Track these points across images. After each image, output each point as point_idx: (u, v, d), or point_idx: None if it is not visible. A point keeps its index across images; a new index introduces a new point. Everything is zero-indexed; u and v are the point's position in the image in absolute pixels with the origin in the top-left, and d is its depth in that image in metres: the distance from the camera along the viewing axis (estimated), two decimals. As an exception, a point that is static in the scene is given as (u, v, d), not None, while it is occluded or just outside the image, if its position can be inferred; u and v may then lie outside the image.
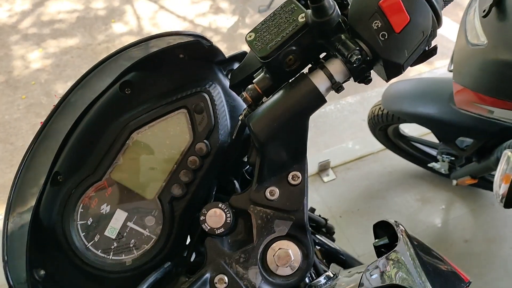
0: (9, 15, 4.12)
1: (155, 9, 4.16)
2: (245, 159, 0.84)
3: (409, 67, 0.61)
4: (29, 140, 0.69)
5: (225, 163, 0.76)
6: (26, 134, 3.05)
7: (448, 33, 3.28)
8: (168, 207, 0.70)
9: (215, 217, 0.64)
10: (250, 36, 0.61)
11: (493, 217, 2.24)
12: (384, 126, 2.14)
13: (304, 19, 0.58)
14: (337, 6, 0.55)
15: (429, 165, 2.22)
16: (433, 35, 0.58)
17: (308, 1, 0.54)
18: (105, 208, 0.70)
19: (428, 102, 1.78)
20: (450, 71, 1.46)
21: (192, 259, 0.78)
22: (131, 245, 0.70)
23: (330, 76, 0.59)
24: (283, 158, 0.63)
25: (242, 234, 0.67)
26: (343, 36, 0.57)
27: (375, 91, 2.99)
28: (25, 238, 0.66)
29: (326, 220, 1.29)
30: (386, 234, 0.78)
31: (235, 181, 0.80)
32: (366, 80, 0.62)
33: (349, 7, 0.59)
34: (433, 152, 2.22)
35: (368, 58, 0.57)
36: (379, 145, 2.43)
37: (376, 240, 0.79)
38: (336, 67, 0.59)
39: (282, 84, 0.63)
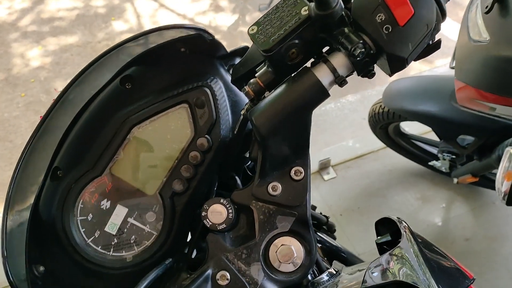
0: (9, 13, 4.11)
1: (155, 7, 4.16)
2: (247, 155, 0.83)
3: (409, 65, 0.60)
4: (28, 138, 0.68)
5: (227, 158, 0.75)
6: (25, 132, 3.05)
7: (448, 32, 3.27)
8: (169, 202, 0.70)
9: (217, 213, 0.63)
10: (252, 29, 0.60)
11: (494, 216, 2.23)
12: (384, 124, 2.13)
13: (307, 12, 0.57)
14: None
15: (429, 163, 2.21)
16: (437, 28, 0.57)
17: None
18: (105, 204, 0.70)
19: (429, 100, 1.78)
20: (452, 68, 1.46)
21: (193, 256, 0.77)
22: (131, 241, 0.69)
23: (333, 70, 0.58)
24: (285, 153, 0.63)
25: (244, 230, 0.66)
26: (346, 30, 0.56)
27: (376, 89, 2.98)
28: (24, 234, 0.65)
29: (327, 217, 1.28)
30: (388, 231, 0.77)
31: (236, 177, 0.79)
32: (369, 74, 0.61)
33: (352, 0, 0.58)
34: (434, 150, 2.22)
35: (371, 51, 0.56)
36: (379, 144, 2.43)
37: (379, 237, 0.78)
38: (339, 60, 0.58)
39: (284, 78, 0.62)
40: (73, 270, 0.70)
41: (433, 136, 2.09)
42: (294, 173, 0.64)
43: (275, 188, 0.64)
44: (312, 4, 0.56)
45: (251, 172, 0.87)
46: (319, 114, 2.83)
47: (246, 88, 0.64)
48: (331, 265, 0.83)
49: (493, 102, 1.27)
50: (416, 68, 3.29)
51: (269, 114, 0.59)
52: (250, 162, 0.88)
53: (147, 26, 3.94)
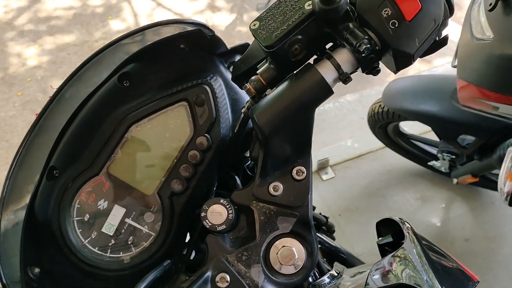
0: (5, 11, 4.09)
1: (153, 6, 4.14)
2: (247, 154, 0.82)
3: (410, 67, 0.59)
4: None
5: (227, 158, 0.74)
6: (22, 131, 3.03)
7: (448, 33, 3.25)
8: (168, 203, 0.68)
9: (217, 213, 0.62)
10: (254, 25, 0.58)
11: (494, 216, 2.22)
12: (384, 124, 2.13)
13: (311, 6, 0.56)
14: None
15: (429, 163, 2.21)
16: (444, 24, 0.56)
17: None
18: (102, 204, 0.68)
19: (429, 99, 1.77)
20: (454, 66, 1.45)
21: (192, 257, 0.76)
22: (129, 242, 0.68)
23: (337, 67, 0.57)
24: (287, 152, 0.61)
25: (244, 231, 0.65)
26: (351, 25, 0.55)
27: (375, 89, 2.97)
28: (19, 235, 0.63)
29: (326, 218, 1.27)
30: (389, 232, 0.76)
31: (236, 177, 0.78)
32: (374, 71, 0.60)
33: None
34: (434, 150, 2.21)
35: (377, 47, 0.55)
36: (378, 143, 2.42)
37: (380, 238, 0.77)
38: (343, 57, 0.57)
39: (287, 75, 0.60)
40: (69, 272, 0.68)
41: (433, 136, 2.08)
42: (296, 173, 0.63)
43: (276, 188, 0.62)
44: None
45: (251, 172, 0.86)
46: (317, 113, 2.76)
47: (247, 85, 0.62)
48: (331, 266, 0.82)
49: (496, 101, 1.26)
50: (415, 68, 3.28)
51: (271, 112, 0.57)
52: (250, 161, 0.86)
53: (145, 25, 3.93)
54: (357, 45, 0.53)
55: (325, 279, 0.71)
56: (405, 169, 2.44)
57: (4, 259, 0.62)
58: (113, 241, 0.68)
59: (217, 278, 0.60)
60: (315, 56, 0.62)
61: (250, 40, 0.68)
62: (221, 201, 0.62)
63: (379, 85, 2.95)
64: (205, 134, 0.69)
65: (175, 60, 0.72)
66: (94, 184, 0.68)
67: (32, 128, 0.67)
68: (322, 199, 2.34)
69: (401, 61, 0.56)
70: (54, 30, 3.88)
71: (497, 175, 1.30)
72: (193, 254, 0.78)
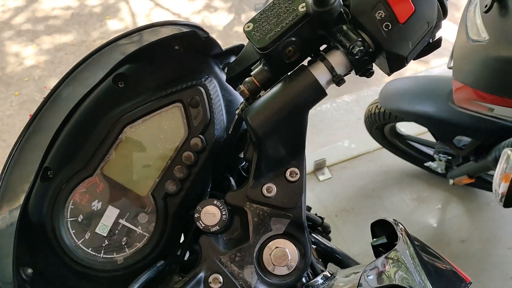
0: (3, 11, 4.09)
1: (151, 6, 4.14)
2: (241, 155, 0.82)
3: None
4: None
5: (221, 159, 0.74)
6: (19, 131, 2.97)
7: (445, 34, 3.26)
8: (162, 204, 0.68)
9: (210, 214, 0.62)
10: (248, 27, 0.58)
11: (489, 217, 2.23)
12: (381, 124, 2.13)
13: (304, 8, 0.56)
14: None
15: (425, 164, 2.21)
16: (438, 26, 0.56)
17: None
18: (96, 205, 0.68)
19: (426, 100, 1.77)
20: (450, 68, 1.45)
21: (186, 258, 0.76)
22: (123, 243, 0.68)
23: (331, 69, 0.57)
24: (281, 153, 0.61)
25: (237, 232, 0.65)
26: (345, 27, 0.55)
27: (372, 90, 2.98)
28: (12, 235, 0.63)
29: (322, 219, 1.27)
30: (384, 233, 0.76)
31: (230, 178, 0.78)
32: (368, 73, 0.60)
33: None
34: (430, 151, 2.21)
35: (370, 49, 0.55)
36: (375, 144, 2.42)
37: (374, 240, 0.77)
38: (337, 59, 0.57)
39: (281, 77, 0.61)
40: (63, 273, 0.68)
41: (429, 137, 2.08)
42: (289, 174, 0.63)
43: (270, 189, 0.62)
44: (310, 1, 0.54)
45: (246, 173, 0.86)
46: (314, 114, 2.82)
47: (241, 87, 0.62)
48: (325, 267, 0.82)
49: (491, 102, 1.27)
50: (412, 69, 3.29)
51: (265, 114, 0.57)
52: (244, 162, 0.86)
53: (142, 25, 3.93)
54: (351, 47, 0.54)
55: (319, 280, 0.71)
56: (401, 170, 2.45)
57: None
58: (106, 242, 0.68)
59: (210, 279, 0.60)
60: (309, 58, 0.62)
61: (248, 40, 0.68)
62: (215, 202, 0.62)
63: (376, 86, 2.95)
64: (200, 136, 0.69)
65: (169, 61, 0.72)
66: (88, 185, 0.68)
67: (26, 129, 0.67)
68: (319, 199, 2.34)
69: (395, 64, 0.57)
70: (51, 30, 3.87)
71: (493, 176, 1.30)
72: (187, 255, 0.78)
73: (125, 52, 0.69)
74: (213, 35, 0.73)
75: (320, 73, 0.57)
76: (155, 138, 0.70)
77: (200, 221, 0.62)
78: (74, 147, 0.69)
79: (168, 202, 0.69)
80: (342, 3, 0.54)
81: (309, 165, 2.43)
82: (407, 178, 2.42)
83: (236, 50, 0.77)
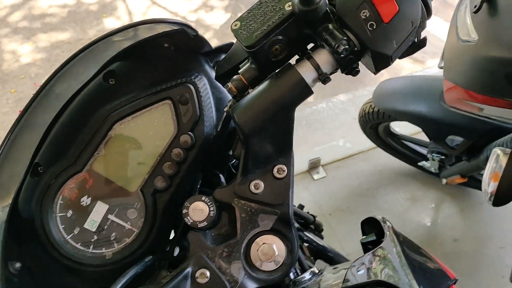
0: (-1, 8, 4.08)
1: (147, 5, 4.14)
2: (231, 153, 0.82)
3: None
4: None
5: (210, 156, 0.74)
6: (15, 128, 3.02)
7: (439, 33, 3.29)
8: (151, 200, 0.69)
9: (198, 210, 0.63)
10: (235, 25, 0.59)
11: (482, 217, 2.24)
12: (375, 124, 2.14)
13: (290, 7, 0.57)
14: None
15: (419, 163, 2.22)
16: (422, 26, 0.57)
17: None
18: (85, 200, 0.69)
19: (419, 100, 1.78)
20: (441, 68, 1.46)
21: (175, 254, 0.77)
22: (111, 238, 0.68)
23: (317, 67, 0.57)
24: (268, 150, 0.62)
25: (225, 228, 0.66)
26: (330, 26, 0.56)
27: (367, 89, 2.99)
28: (1, 229, 0.64)
29: (314, 217, 1.28)
30: (373, 231, 0.77)
31: (220, 175, 0.79)
32: (353, 71, 0.61)
33: None
34: (424, 151, 2.22)
35: (355, 48, 0.56)
36: (370, 144, 2.43)
37: (364, 237, 0.78)
38: (323, 57, 0.58)
39: (268, 75, 0.61)
40: (51, 267, 0.68)
41: (423, 137, 2.09)
42: (276, 171, 0.63)
43: (257, 186, 0.63)
44: (296, 0, 0.55)
45: (236, 170, 0.86)
46: (310, 113, 2.83)
47: (229, 84, 0.63)
48: (315, 263, 0.83)
49: (481, 102, 1.27)
50: (408, 69, 3.30)
51: (251, 111, 0.58)
52: (234, 160, 0.87)
53: (139, 24, 3.93)
54: (336, 46, 0.54)
55: (306, 275, 0.72)
56: (395, 169, 2.46)
57: None
58: (95, 237, 0.68)
59: (197, 274, 0.60)
60: (297, 57, 0.63)
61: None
62: (203, 198, 0.63)
63: (372, 86, 2.95)
64: (189, 133, 0.70)
65: (159, 59, 0.73)
66: (77, 180, 0.69)
67: (15, 124, 0.67)
68: (313, 198, 2.35)
69: (380, 63, 0.57)
70: (48, 28, 3.87)
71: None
72: (177, 251, 0.78)
73: (116, 49, 0.70)
74: (209, 34, 0.74)
75: (306, 72, 0.57)
76: (145, 135, 0.70)
77: (188, 217, 0.62)
78: (64, 143, 0.69)
79: (157, 198, 0.69)
80: (327, 3, 0.55)
81: (304, 164, 2.44)
82: (401, 177, 2.43)
83: (225, 48, 0.78)
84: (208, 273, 0.60)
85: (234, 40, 0.77)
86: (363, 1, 0.54)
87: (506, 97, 1.19)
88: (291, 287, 0.69)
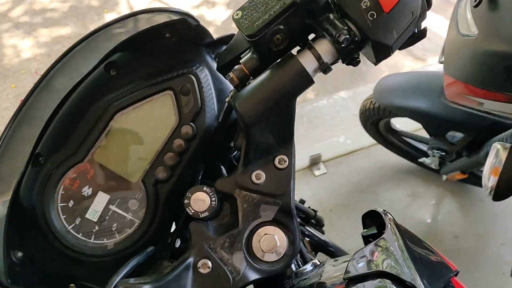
0: (0, 3, 4.08)
1: (149, 0, 4.14)
2: (232, 144, 0.82)
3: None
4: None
5: (212, 147, 0.74)
6: (16, 123, 3.02)
7: (440, 30, 3.28)
8: (152, 190, 0.69)
9: (200, 200, 0.63)
10: (237, 14, 0.59)
11: (483, 213, 2.24)
12: (375, 120, 2.13)
13: None
14: None
15: (419, 160, 2.22)
16: (422, 16, 0.57)
17: None
18: (86, 191, 0.69)
19: (419, 96, 1.78)
20: (441, 62, 1.46)
21: (177, 246, 0.77)
22: (113, 229, 0.69)
23: (318, 57, 0.57)
24: (269, 140, 0.62)
25: (227, 219, 0.66)
26: (331, 16, 0.56)
27: (368, 86, 2.98)
28: (3, 219, 0.64)
29: (315, 211, 1.28)
30: (374, 224, 0.77)
31: (221, 167, 0.79)
32: (354, 61, 0.61)
33: None
34: (424, 147, 2.22)
35: (356, 38, 0.56)
36: (370, 140, 2.43)
37: (365, 230, 0.78)
38: (324, 47, 0.58)
39: (269, 65, 0.61)
40: (53, 257, 0.69)
41: (423, 133, 2.09)
42: (278, 162, 0.63)
43: (259, 176, 0.63)
44: None
45: (237, 162, 0.86)
46: (311, 109, 2.83)
47: (231, 74, 0.63)
48: (316, 256, 0.83)
49: (481, 97, 1.27)
50: (409, 66, 3.30)
51: (253, 101, 0.58)
52: (236, 152, 0.87)
53: (140, 19, 3.93)
54: (337, 35, 0.54)
55: (308, 267, 0.72)
56: (396, 165, 2.46)
57: None
58: (97, 228, 0.68)
59: (199, 264, 0.60)
60: (298, 48, 0.63)
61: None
62: (204, 188, 0.63)
63: (373, 83, 2.95)
64: (190, 123, 0.70)
65: (161, 49, 0.73)
66: (78, 170, 0.69)
67: (16, 114, 0.67)
68: (314, 194, 2.35)
69: (380, 53, 0.57)
70: (49, 23, 3.87)
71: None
72: (179, 243, 0.79)
73: (117, 40, 0.70)
74: (211, 30, 0.74)
75: (308, 61, 0.57)
76: (146, 126, 0.70)
77: (190, 207, 0.63)
78: (65, 133, 0.70)
79: (159, 189, 0.70)
80: None
81: (305, 160, 2.44)
82: (402, 174, 2.43)
83: (227, 39, 0.78)
84: (210, 263, 0.60)
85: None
86: None
87: (506, 91, 1.18)
88: (292, 279, 0.69)
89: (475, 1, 1.19)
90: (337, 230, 2.20)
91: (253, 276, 0.61)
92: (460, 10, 1.32)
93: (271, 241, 0.62)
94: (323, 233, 1.27)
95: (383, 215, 0.72)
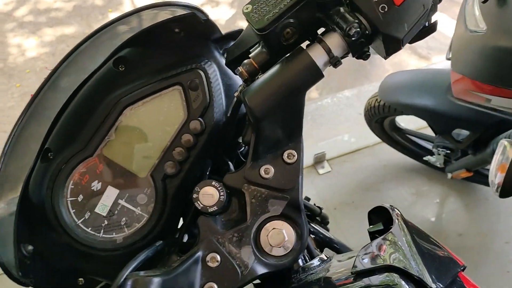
0: (5, 3, 4.09)
1: (153, 0, 4.14)
2: (240, 140, 0.83)
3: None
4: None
5: (220, 142, 0.75)
6: (20, 122, 3.03)
7: (445, 29, 3.27)
8: (161, 185, 0.69)
9: (208, 195, 0.63)
10: (247, 8, 0.59)
11: (487, 212, 2.24)
12: (380, 118, 2.13)
13: None
14: None
15: (424, 158, 2.21)
16: (433, 9, 0.57)
17: None
18: (96, 185, 0.69)
19: (425, 93, 1.77)
20: (448, 59, 1.45)
21: (184, 241, 0.77)
22: (122, 223, 0.69)
23: (328, 50, 0.57)
24: (278, 135, 0.62)
25: (235, 213, 0.66)
26: (342, 9, 0.56)
27: (373, 85, 2.98)
28: (13, 214, 0.64)
29: (321, 208, 1.28)
30: (381, 221, 0.77)
31: (229, 163, 0.79)
32: (364, 55, 0.61)
33: None
34: (429, 145, 2.22)
35: (367, 32, 0.56)
36: (375, 138, 2.42)
37: (371, 226, 0.78)
38: (334, 41, 0.58)
39: (279, 59, 0.61)
40: (63, 252, 0.69)
41: (428, 132, 2.08)
42: (287, 156, 0.63)
43: (268, 171, 0.63)
44: None
45: (244, 158, 0.86)
46: (315, 108, 2.83)
47: (240, 68, 0.63)
48: (323, 252, 0.83)
49: (488, 93, 1.27)
50: (414, 65, 3.29)
51: (262, 95, 0.58)
52: (243, 148, 0.87)
53: (144, 18, 3.93)
54: (347, 29, 0.54)
55: (315, 262, 0.72)
56: (400, 164, 2.45)
57: None
58: (106, 222, 0.69)
59: (208, 258, 0.60)
60: (307, 42, 0.63)
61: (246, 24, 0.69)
62: (213, 183, 0.63)
63: (377, 82, 2.95)
64: (199, 118, 0.70)
65: (170, 44, 0.73)
66: (88, 165, 0.69)
67: (25, 111, 0.67)
68: (318, 193, 2.35)
69: (391, 46, 0.57)
70: (53, 22, 3.88)
71: (492, 170, 1.31)
72: (186, 238, 0.79)
73: (126, 35, 0.70)
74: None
75: (318, 55, 0.57)
76: (155, 121, 0.70)
77: (199, 202, 0.63)
78: (75, 128, 0.70)
79: (167, 184, 0.70)
80: None
81: (309, 159, 2.44)
82: (406, 172, 2.43)
83: (235, 35, 0.78)
84: (218, 257, 0.60)
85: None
86: None
87: (514, 87, 1.19)
88: (300, 273, 0.69)
89: (483, -3, 1.19)
90: (342, 228, 2.20)
91: (261, 270, 0.61)
92: (468, 6, 1.32)
93: (279, 235, 0.62)
94: (328, 230, 1.27)
95: (390, 211, 0.72)
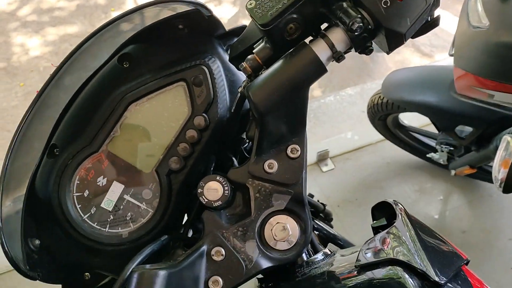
0: (8, 2, 4.10)
1: (155, -1, 4.14)
2: (244, 136, 0.83)
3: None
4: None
5: (224, 138, 0.75)
6: (24, 121, 3.04)
7: (447, 26, 3.27)
8: (166, 180, 0.70)
9: (213, 189, 0.63)
10: (250, 4, 0.59)
11: (491, 209, 2.24)
12: (383, 115, 2.13)
13: None
14: None
15: (427, 155, 2.21)
16: (436, 4, 0.57)
17: None
18: (101, 180, 0.70)
19: (428, 90, 1.78)
20: (451, 55, 1.45)
21: (190, 236, 0.78)
22: (127, 218, 0.69)
23: (331, 45, 0.58)
24: (282, 130, 0.62)
25: (240, 208, 0.66)
26: (344, 4, 0.56)
27: (375, 82, 2.98)
28: (20, 209, 0.65)
29: (324, 205, 1.28)
30: (384, 216, 0.77)
31: (233, 159, 0.79)
32: (367, 50, 0.61)
33: None
34: (432, 142, 2.22)
35: (369, 26, 0.56)
36: (378, 136, 2.43)
37: (374, 222, 0.78)
38: (337, 36, 0.58)
39: (282, 54, 0.61)
40: (69, 247, 0.70)
41: (431, 129, 2.08)
42: (290, 151, 0.64)
43: (271, 165, 0.63)
44: None
45: (248, 154, 0.87)
46: (318, 106, 2.83)
47: (244, 64, 0.63)
48: (326, 246, 0.83)
49: (491, 89, 1.27)
50: (417, 63, 3.29)
51: (266, 90, 0.58)
52: (247, 144, 0.87)
53: (147, 17, 3.94)
54: (350, 24, 0.55)
55: (319, 256, 0.73)
56: (404, 161, 2.46)
57: (6, 229, 0.64)
58: (112, 217, 0.69)
59: (213, 252, 0.61)
60: (311, 38, 0.63)
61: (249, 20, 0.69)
62: (218, 177, 0.64)
63: (380, 79, 2.96)
64: (203, 114, 0.70)
65: (174, 41, 0.73)
66: (93, 161, 0.70)
67: (32, 105, 0.68)
68: (322, 190, 2.36)
69: (393, 41, 0.58)
70: (57, 21, 3.89)
71: (495, 167, 1.31)
72: (191, 233, 0.79)
73: (130, 32, 0.71)
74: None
75: (321, 50, 0.58)
76: (159, 116, 0.71)
77: (203, 196, 0.63)
78: (80, 125, 0.70)
79: (172, 179, 0.70)
80: None
81: (312, 156, 2.45)
82: (409, 169, 2.43)
83: (238, 31, 0.78)
84: (223, 251, 0.61)
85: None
86: None
87: (517, 83, 1.19)
88: (304, 267, 0.70)
89: (486, -7, 1.19)
90: (345, 225, 2.20)
91: (265, 264, 0.62)
92: (470, 2, 1.32)
93: (283, 230, 0.63)
94: (331, 227, 1.27)
95: (393, 205, 0.72)
